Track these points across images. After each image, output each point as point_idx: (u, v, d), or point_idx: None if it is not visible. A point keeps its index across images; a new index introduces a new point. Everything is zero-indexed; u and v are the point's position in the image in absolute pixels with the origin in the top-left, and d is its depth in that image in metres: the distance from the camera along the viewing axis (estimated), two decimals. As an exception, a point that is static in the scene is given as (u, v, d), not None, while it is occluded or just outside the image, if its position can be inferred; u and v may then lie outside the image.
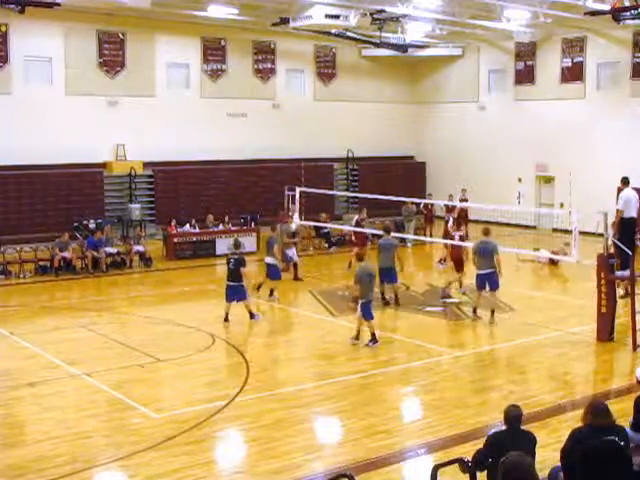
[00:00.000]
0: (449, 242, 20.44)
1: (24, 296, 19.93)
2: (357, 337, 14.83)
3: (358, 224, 23.35)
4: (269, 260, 18.86)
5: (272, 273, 18.83)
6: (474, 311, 16.81)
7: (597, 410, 6.72)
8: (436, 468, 7.25)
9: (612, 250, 15.73)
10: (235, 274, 16.52)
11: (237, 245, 17.15)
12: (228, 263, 16.76)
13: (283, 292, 19.14)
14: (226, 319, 16.47)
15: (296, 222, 22.85)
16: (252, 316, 16.70)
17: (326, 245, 26.95)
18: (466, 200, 28.03)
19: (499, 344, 15.13)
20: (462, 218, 28.30)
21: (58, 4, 23.75)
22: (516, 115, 32.33)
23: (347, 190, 33.27)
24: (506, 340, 15.32)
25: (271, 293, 18.90)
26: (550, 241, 25.33)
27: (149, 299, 20.03)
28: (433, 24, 29.56)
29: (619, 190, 16.77)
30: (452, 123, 34.68)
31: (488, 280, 16.41)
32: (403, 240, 19.67)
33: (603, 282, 14.68)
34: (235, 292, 16.54)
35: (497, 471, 5.62)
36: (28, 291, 20.56)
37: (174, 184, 29.48)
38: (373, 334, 14.74)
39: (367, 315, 14.77)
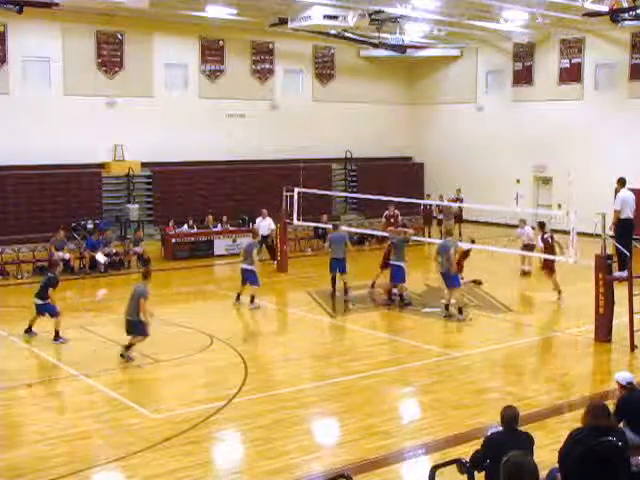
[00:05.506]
0: (545, 256, 19.04)
1: (22, 296, 19.84)
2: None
3: (388, 220, 23.31)
4: (247, 266, 18.00)
5: (251, 279, 17.97)
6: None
7: (598, 411, 6.70)
8: (434, 469, 7.27)
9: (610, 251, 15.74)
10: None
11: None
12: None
13: (281, 292, 19.10)
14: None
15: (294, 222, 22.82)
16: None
17: (325, 245, 26.78)
18: (460, 200, 28.00)
19: (497, 345, 15.11)
20: (457, 218, 28.47)
21: (56, 4, 23.74)
22: (514, 116, 32.35)
23: (345, 191, 33.29)
24: (504, 341, 15.34)
25: (252, 300, 17.88)
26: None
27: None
28: (431, 25, 29.60)
29: (616, 191, 16.73)
30: (450, 124, 34.71)
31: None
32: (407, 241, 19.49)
33: (601, 283, 14.70)
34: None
35: (497, 472, 5.60)
36: (26, 291, 20.45)
37: (172, 184, 29.46)
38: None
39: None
